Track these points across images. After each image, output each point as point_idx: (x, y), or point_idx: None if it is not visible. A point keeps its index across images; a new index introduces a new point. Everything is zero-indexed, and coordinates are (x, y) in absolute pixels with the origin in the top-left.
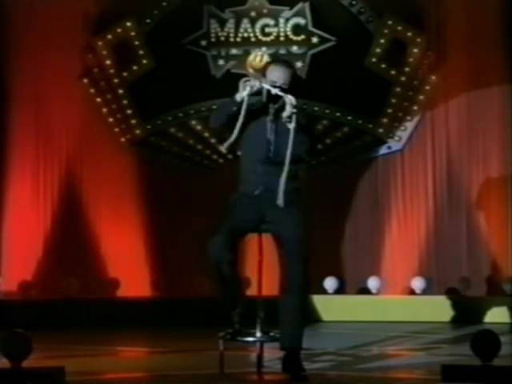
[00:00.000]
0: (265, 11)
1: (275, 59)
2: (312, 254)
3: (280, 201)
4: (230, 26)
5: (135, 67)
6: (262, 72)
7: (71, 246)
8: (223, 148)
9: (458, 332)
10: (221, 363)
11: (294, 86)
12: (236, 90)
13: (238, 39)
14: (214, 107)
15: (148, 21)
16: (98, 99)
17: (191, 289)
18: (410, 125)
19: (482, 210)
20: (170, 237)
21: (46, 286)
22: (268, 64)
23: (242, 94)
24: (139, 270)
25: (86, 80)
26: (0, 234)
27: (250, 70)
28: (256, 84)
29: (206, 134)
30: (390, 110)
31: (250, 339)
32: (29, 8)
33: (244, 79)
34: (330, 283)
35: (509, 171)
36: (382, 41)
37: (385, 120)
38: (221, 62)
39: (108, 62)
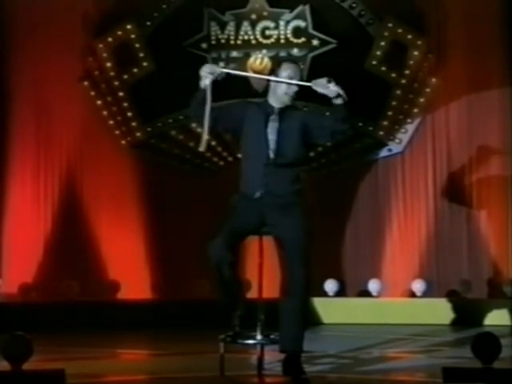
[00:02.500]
0: (265, 14)
1: (287, 59)
2: (312, 256)
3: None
4: (231, 28)
5: (136, 70)
6: (267, 73)
7: (71, 248)
8: (202, 148)
9: (459, 334)
10: (221, 366)
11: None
12: (235, 91)
13: (239, 42)
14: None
15: (148, 23)
16: (99, 102)
17: (191, 291)
18: (410, 127)
19: (482, 212)
20: (171, 239)
21: (46, 288)
22: (280, 63)
23: (205, 81)
24: (139, 272)
25: (86, 82)
26: (0, 237)
27: (251, 73)
28: (216, 70)
29: (207, 137)
30: (390, 113)
31: (251, 342)
32: (29, 10)
33: (203, 67)
34: (330, 286)
35: (509, 174)
36: (383, 43)
37: (385, 122)
38: (221, 64)
39: (108, 64)
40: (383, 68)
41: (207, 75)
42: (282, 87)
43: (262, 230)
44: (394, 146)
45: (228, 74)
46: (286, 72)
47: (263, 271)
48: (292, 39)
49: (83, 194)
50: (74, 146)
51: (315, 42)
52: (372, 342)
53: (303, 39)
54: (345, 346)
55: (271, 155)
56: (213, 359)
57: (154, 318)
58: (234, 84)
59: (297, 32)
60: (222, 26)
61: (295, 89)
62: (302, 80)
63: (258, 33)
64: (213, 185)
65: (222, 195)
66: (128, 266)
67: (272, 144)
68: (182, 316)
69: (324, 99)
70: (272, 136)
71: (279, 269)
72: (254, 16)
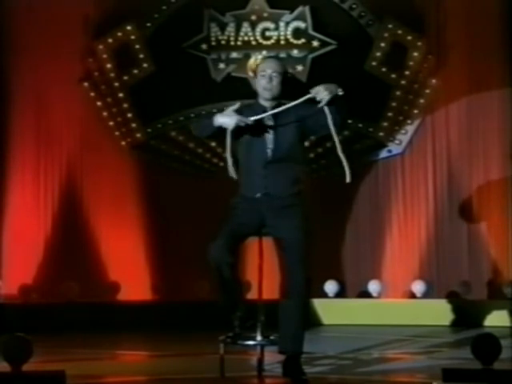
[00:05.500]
0: (265, 15)
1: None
2: (313, 257)
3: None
4: (231, 29)
5: (136, 71)
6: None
7: (72, 249)
8: (233, 175)
9: (459, 335)
10: (221, 367)
11: (290, 87)
12: (235, 92)
13: (239, 43)
14: (215, 110)
15: (148, 24)
16: (99, 103)
17: (191, 292)
18: (410, 128)
19: (482, 213)
20: (171, 240)
21: (46, 289)
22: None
23: (228, 127)
24: (140, 273)
25: (86, 84)
26: (0, 238)
27: (250, 74)
28: (245, 122)
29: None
30: (390, 114)
31: (251, 343)
32: (29, 11)
33: (234, 109)
34: (330, 287)
35: (509, 175)
36: (383, 44)
37: (385, 123)
38: (221, 65)
39: (108, 65)
40: (383, 69)
41: (232, 124)
42: (262, 82)
43: (262, 231)
44: (394, 147)
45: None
46: (261, 67)
47: (263, 272)
48: (292, 40)
49: (83, 195)
50: (74, 146)
51: (315, 43)
52: (372, 343)
53: (303, 40)
54: (345, 347)
55: (269, 153)
56: (213, 360)
57: (154, 319)
58: (234, 85)
59: (297, 33)
60: (222, 27)
61: (275, 82)
62: (285, 72)
63: (258, 34)
64: (213, 186)
65: (221, 196)
66: (128, 267)
67: (270, 143)
68: (182, 317)
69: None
70: (270, 135)
71: (279, 270)
72: (254, 17)
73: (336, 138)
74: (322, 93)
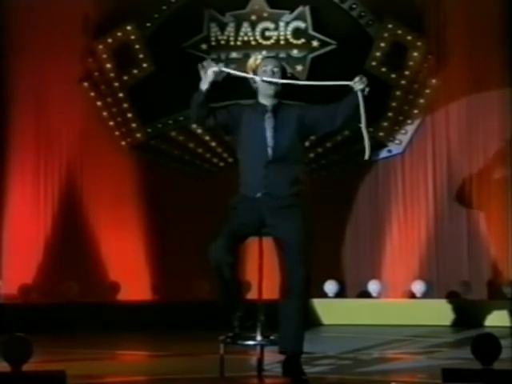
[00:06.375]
0: (265, 15)
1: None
2: (312, 257)
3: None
4: (230, 29)
5: (135, 71)
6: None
7: (71, 249)
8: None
9: (459, 335)
10: (221, 367)
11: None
12: (235, 92)
13: (238, 43)
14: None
15: (148, 24)
16: (99, 103)
17: (191, 292)
18: (410, 128)
19: (482, 213)
20: (171, 240)
21: (46, 289)
22: (259, 63)
23: (205, 85)
24: (139, 273)
25: (86, 84)
26: (0, 238)
27: (250, 74)
28: (223, 70)
29: (207, 138)
30: (390, 114)
31: (251, 343)
32: (29, 11)
33: (208, 65)
34: (330, 287)
35: (509, 175)
36: (382, 44)
37: (385, 123)
38: (221, 65)
39: (108, 65)
40: (383, 69)
41: (211, 74)
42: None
43: (262, 231)
44: (394, 147)
45: (229, 73)
46: (261, 66)
47: (263, 272)
48: (292, 40)
49: (83, 195)
50: (73, 146)
51: (315, 43)
52: (372, 343)
53: (303, 40)
54: (345, 347)
55: (270, 152)
56: (213, 360)
57: (154, 319)
58: (234, 85)
59: (297, 33)
60: (222, 27)
61: (277, 77)
62: (285, 73)
63: (257, 34)
64: (213, 186)
65: (221, 196)
66: (128, 267)
67: (270, 142)
68: (182, 317)
69: (324, 100)
70: (270, 133)
71: (279, 270)
72: (253, 17)
73: (363, 117)
74: (364, 82)
